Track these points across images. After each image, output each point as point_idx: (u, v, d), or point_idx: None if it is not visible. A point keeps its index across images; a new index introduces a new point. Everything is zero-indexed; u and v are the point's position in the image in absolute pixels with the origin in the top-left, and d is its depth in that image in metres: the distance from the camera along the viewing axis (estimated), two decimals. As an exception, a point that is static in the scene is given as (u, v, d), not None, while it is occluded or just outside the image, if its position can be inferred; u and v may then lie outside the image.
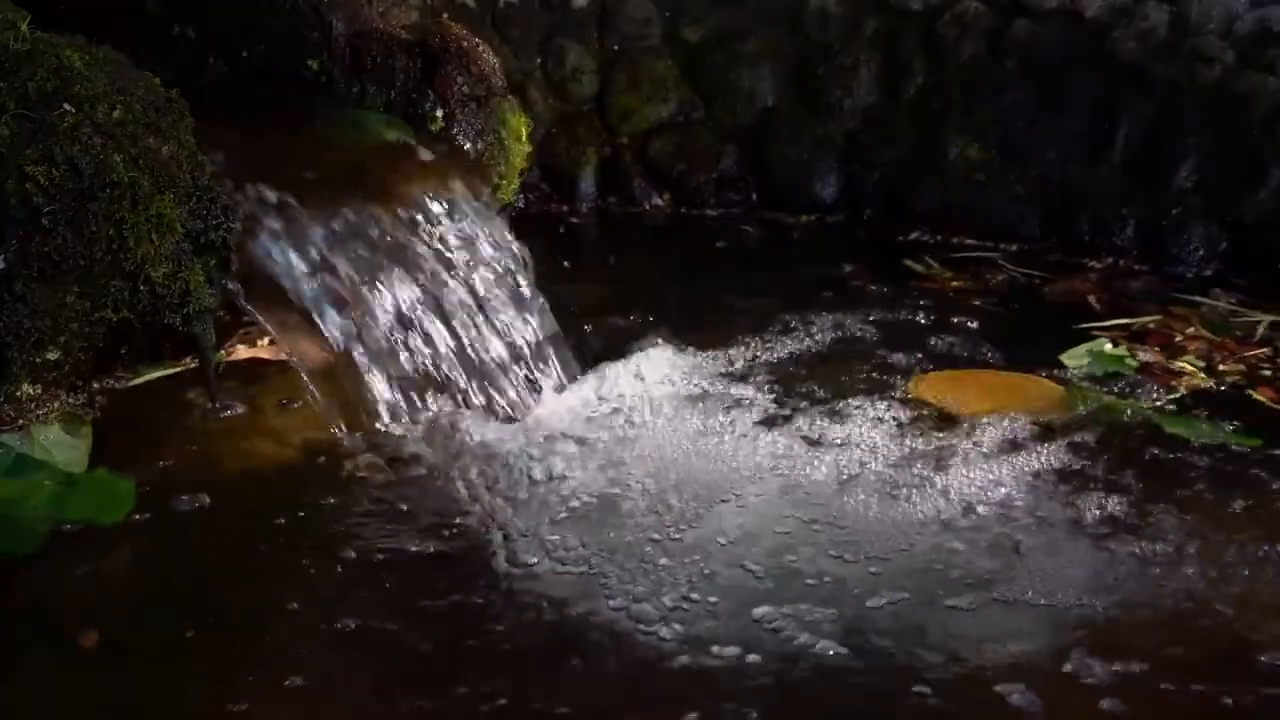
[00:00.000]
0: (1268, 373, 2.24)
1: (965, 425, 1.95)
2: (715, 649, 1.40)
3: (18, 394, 1.61)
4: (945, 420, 1.98)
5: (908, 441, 1.90)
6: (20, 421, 1.66)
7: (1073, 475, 1.83)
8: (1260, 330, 2.44)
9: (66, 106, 1.54)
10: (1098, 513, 1.72)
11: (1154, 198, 2.90)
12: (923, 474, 1.81)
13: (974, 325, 2.45)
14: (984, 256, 2.93)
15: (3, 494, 1.60)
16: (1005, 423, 1.95)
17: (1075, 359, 2.24)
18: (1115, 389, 2.13)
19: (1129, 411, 2.03)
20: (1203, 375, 2.21)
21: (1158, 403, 2.08)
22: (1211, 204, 2.85)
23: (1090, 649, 1.40)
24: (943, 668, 1.38)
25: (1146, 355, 2.29)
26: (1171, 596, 1.53)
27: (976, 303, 2.60)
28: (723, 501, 1.73)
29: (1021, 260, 2.89)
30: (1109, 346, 2.29)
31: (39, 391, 1.65)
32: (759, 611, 1.47)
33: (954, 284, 2.74)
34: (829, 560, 1.59)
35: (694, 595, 1.50)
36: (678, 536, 1.64)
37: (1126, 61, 2.99)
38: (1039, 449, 1.89)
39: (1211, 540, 1.65)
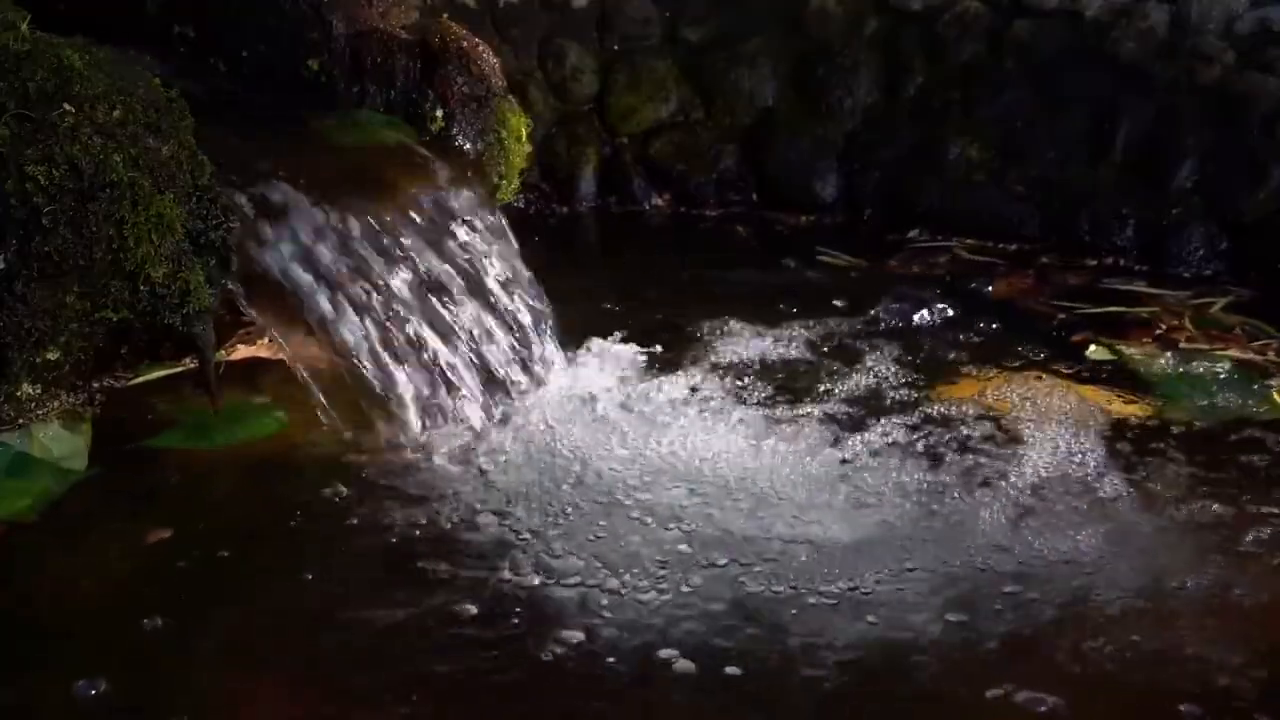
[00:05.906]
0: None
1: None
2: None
3: (18, 394, 1.61)
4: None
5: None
6: (20, 421, 1.66)
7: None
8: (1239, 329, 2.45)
9: (66, 106, 1.53)
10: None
11: (1154, 198, 2.90)
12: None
13: (963, 319, 2.49)
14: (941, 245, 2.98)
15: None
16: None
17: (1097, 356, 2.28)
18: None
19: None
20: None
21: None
22: (1211, 204, 2.85)
23: None
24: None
25: (1131, 349, 2.32)
26: None
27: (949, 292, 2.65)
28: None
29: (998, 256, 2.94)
30: (1093, 347, 2.32)
31: (39, 391, 1.64)
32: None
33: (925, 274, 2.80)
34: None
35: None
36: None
37: (1126, 61, 2.99)
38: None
39: None
